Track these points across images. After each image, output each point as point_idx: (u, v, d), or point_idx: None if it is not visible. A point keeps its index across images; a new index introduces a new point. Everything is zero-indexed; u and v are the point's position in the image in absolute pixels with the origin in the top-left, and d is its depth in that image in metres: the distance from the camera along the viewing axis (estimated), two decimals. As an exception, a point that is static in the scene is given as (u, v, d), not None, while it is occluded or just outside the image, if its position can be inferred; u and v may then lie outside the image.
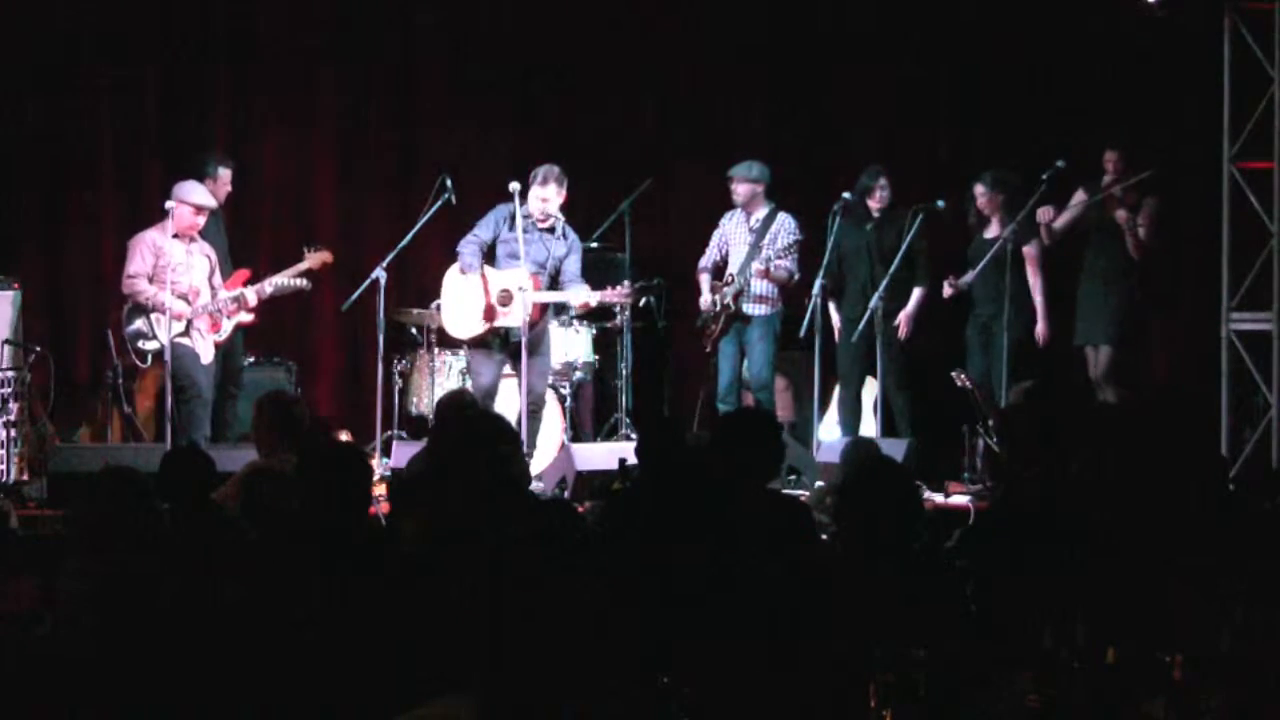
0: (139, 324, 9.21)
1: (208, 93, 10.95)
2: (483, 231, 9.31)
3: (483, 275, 9.23)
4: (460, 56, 11.28)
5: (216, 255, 9.58)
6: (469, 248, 9.29)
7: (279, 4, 11.08)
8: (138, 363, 9.26)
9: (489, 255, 9.32)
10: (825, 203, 9.82)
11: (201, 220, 9.31)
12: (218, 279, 9.41)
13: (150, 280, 9.19)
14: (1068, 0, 10.72)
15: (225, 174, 9.81)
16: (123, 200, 10.68)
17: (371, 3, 11.27)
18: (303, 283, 9.66)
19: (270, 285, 9.55)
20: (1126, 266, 9.33)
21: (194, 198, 9.29)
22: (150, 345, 9.18)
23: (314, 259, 9.70)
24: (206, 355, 9.31)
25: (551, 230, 9.25)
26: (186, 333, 9.19)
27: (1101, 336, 9.34)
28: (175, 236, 9.21)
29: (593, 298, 9.25)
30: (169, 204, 9.19)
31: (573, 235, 9.36)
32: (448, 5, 11.31)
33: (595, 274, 9.94)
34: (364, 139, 11.28)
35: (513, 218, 9.20)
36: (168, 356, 9.01)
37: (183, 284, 9.19)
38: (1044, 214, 9.37)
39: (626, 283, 9.55)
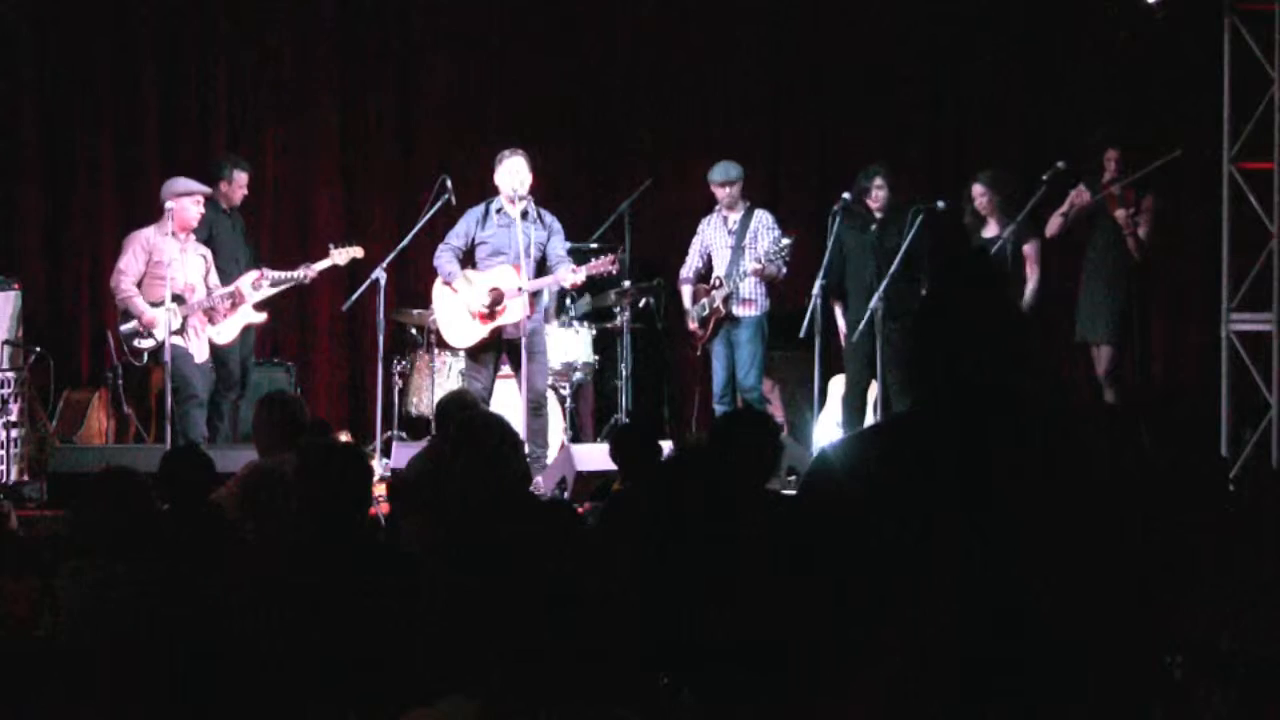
0: (135, 322, 9.21)
1: (208, 92, 10.95)
2: (456, 239, 9.29)
3: (466, 282, 9.20)
4: (460, 56, 11.29)
5: (242, 258, 9.61)
6: (445, 256, 9.27)
7: (280, 3, 11.09)
8: (133, 361, 9.25)
9: (470, 261, 9.31)
10: (825, 203, 9.82)
11: (201, 207, 9.29)
12: (214, 278, 9.41)
13: (143, 279, 9.19)
14: (1068, 0, 10.73)
15: (240, 176, 9.79)
16: (123, 200, 10.69)
17: (372, 2, 11.28)
18: (302, 275, 9.66)
19: (268, 279, 9.56)
20: (1127, 265, 9.33)
21: (188, 186, 9.30)
22: (146, 343, 9.18)
23: (341, 254, 9.67)
24: (201, 354, 9.30)
25: (525, 216, 9.22)
26: (181, 332, 9.20)
27: (1102, 335, 9.34)
28: (172, 234, 9.21)
29: (580, 273, 9.21)
30: (168, 205, 9.17)
31: (550, 218, 9.29)
32: (448, 5, 11.33)
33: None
34: (364, 139, 11.28)
35: (485, 217, 9.21)
36: (167, 356, 9.02)
37: (177, 281, 9.20)
38: (1053, 226, 9.41)
39: (610, 255, 9.49)
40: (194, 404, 9.15)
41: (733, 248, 9.74)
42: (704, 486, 5.18)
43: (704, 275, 9.91)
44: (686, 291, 9.95)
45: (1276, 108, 9.14)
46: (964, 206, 9.65)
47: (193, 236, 9.34)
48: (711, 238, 9.87)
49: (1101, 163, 9.42)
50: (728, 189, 9.75)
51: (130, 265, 9.19)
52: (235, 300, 9.44)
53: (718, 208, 9.86)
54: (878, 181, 9.53)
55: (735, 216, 9.81)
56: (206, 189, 9.39)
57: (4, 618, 5.46)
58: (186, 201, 9.23)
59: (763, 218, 9.77)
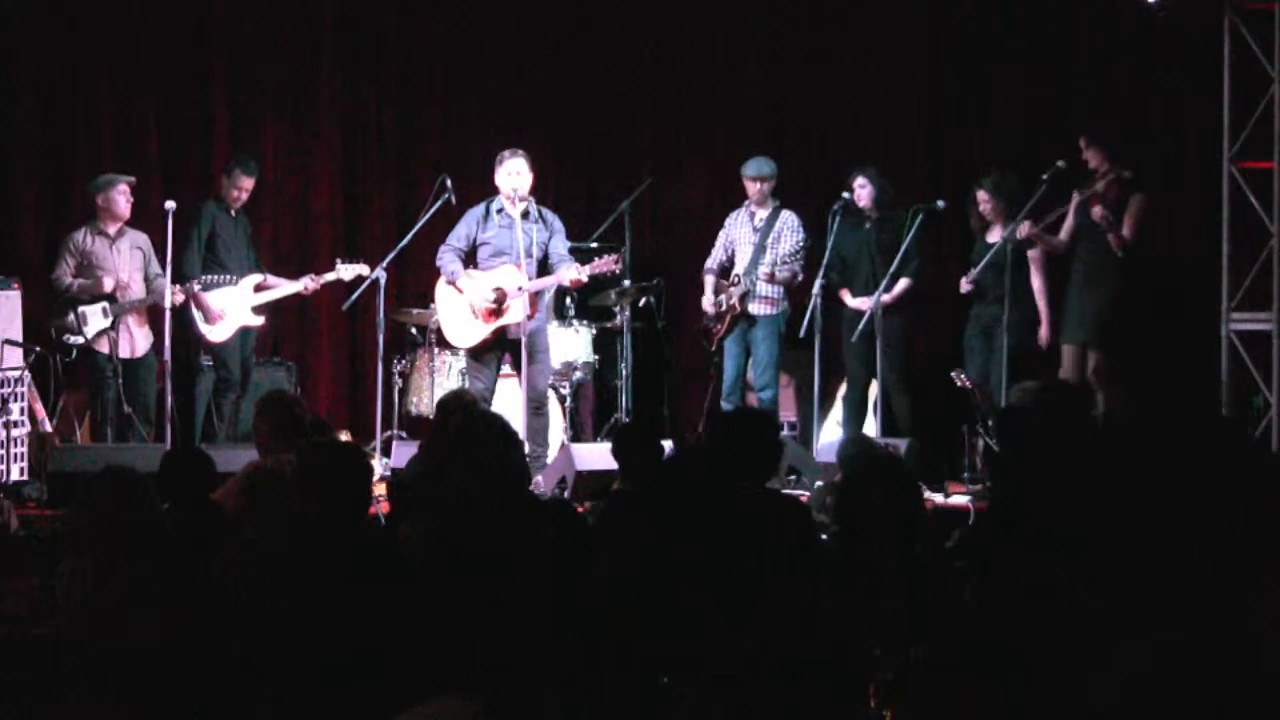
0: (65, 318, 9.25)
1: (208, 93, 10.94)
2: (457, 240, 9.29)
3: (470, 281, 9.21)
4: (460, 57, 11.29)
5: (245, 259, 9.64)
6: (448, 256, 9.27)
7: (279, 4, 11.08)
8: (62, 357, 9.28)
9: (471, 261, 9.31)
10: (826, 203, 9.83)
11: (128, 196, 9.36)
12: (154, 266, 9.46)
13: (74, 278, 9.34)
14: (1068, 0, 10.73)
15: (242, 179, 9.75)
16: (122, 201, 10.67)
17: (372, 3, 11.28)
18: (301, 287, 9.68)
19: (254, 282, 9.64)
20: (1108, 264, 9.19)
21: (110, 177, 9.45)
22: (75, 340, 9.21)
23: (347, 270, 9.67)
24: (136, 350, 9.33)
25: (526, 216, 9.20)
26: (113, 328, 9.25)
27: (1079, 335, 9.24)
28: (101, 233, 9.28)
29: (583, 272, 9.20)
30: (97, 200, 9.36)
31: (551, 216, 9.30)
32: (448, 5, 11.32)
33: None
34: (364, 139, 11.28)
35: (486, 217, 9.22)
36: (174, 351, 9.09)
37: (108, 281, 9.27)
38: (1024, 229, 9.24)
39: (614, 254, 9.48)
40: (114, 407, 9.24)
41: (755, 245, 9.76)
42: (704, 486, 5.18)
43: (726, 269, 9.93)
44: (710, 282, 9.95)
45: (1276, 108, 9.14)
46: (968, 210, 9.66)
47: (127, 229, 9.38)
48: (737, 233, 9.89)
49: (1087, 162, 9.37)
50: (759, 184, 9.76)
51: (61, 272, 9.36)
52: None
53: (747, 203, 9.88)
54: (859, 180, 9.63)
55: (763, 214, 9.83)
56: (130, 178, 9.48)
57: (4, 617, 5.47)
58: (112, 192, 9.35)
59: (788, 219, 9.78)
